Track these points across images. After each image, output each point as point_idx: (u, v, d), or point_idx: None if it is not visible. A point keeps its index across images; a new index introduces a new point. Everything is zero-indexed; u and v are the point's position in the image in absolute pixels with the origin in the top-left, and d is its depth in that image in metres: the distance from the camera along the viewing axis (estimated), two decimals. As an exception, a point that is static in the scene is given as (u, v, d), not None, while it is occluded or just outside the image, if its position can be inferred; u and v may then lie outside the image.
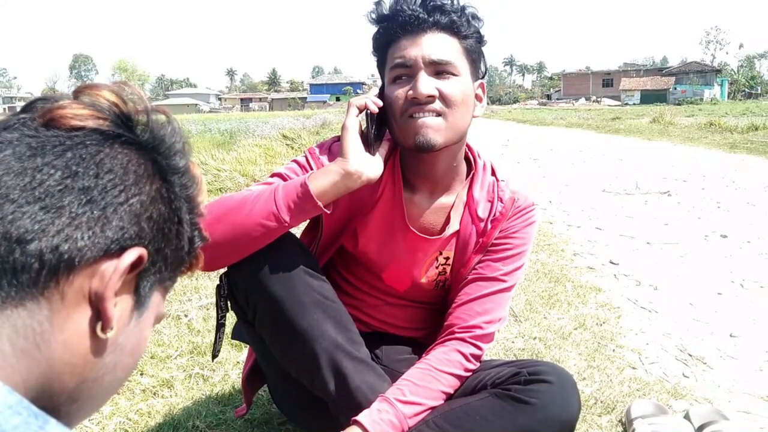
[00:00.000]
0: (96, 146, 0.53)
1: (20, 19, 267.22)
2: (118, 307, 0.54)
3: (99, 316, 0.52)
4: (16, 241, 0.48)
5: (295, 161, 1.40)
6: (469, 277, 1.39)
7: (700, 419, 1.67)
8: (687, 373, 2.13)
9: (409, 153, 1.35)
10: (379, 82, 1.42)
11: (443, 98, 1.26)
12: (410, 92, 1.25)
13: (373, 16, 1.32)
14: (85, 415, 0.58)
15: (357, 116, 1.29)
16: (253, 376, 1.54)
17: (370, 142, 1.30)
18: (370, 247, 1.42)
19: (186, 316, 2.55)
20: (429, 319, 1.52)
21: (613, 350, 2.29)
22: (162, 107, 0.61)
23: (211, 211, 1.19)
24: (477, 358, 1.34)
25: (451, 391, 1.31)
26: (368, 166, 1.26)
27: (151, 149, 0.57)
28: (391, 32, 1.29)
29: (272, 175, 1.37)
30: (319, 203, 1.22)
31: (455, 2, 1.29)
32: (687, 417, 1.71)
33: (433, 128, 1.26)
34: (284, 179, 1.34)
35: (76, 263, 0.50)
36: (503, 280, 1.38)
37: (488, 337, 1.36)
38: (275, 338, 1.29)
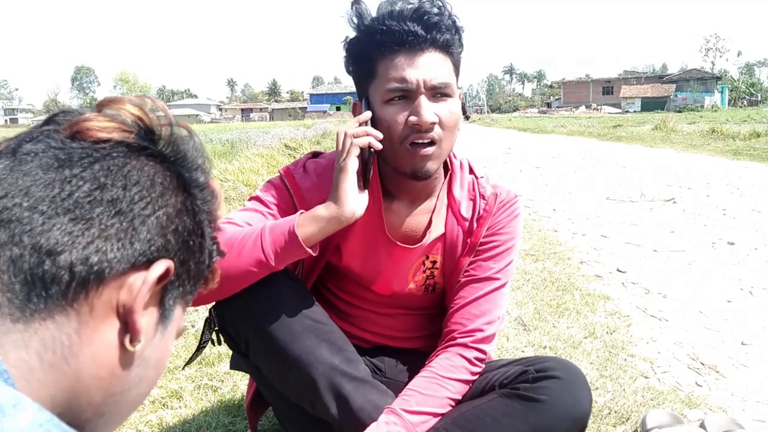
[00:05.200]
0: (123, 158, 0.53)
1: (22, 30, 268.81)
2: (145, 319, 0.53)
3: (127, 328, 0.52)
4: (47, 252, 0.47)
5: (270, 183, 1.36)
6: (462, 279, 1.37)
7: (716, 429, 1.66)
8: (700, 382, 2.11)
9: (394, 171, 1.31)
10: None
11: (441, 123, 1.23)
12: (412, 118, 1.21)
13: (363, 22, 1.24)
14: (110, 430, 0.57)
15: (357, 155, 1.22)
16: (256, 402, 1.53)
17: (366, 182, 1.25)
18: (354, 261, 1.39)
19: (193, 326, 2.54)
20: (426, 325, 1.50)
21: (625, 359, 2.27)
22: (184, 122, 0.60)
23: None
24: (481, 360, 1.33)
25: (459, 397, 1.29)
26: (360, 205, 1.22)
27: (175, 163, 0.57)
28: (383, 46, 1.21)
29: (251, 199, 1.34)
30: (308, 250, 1.18)
31: (446, 15, 1.23)
32: (702, 426, 1.69)
33: (431, 159, 1.25)
34: (263, 203, 1.31)
35: (105, 275, 0.49)
36: (497, 279, 1.36)
37: (489, 339, 1.34)
38: (271, 368, 1.28)
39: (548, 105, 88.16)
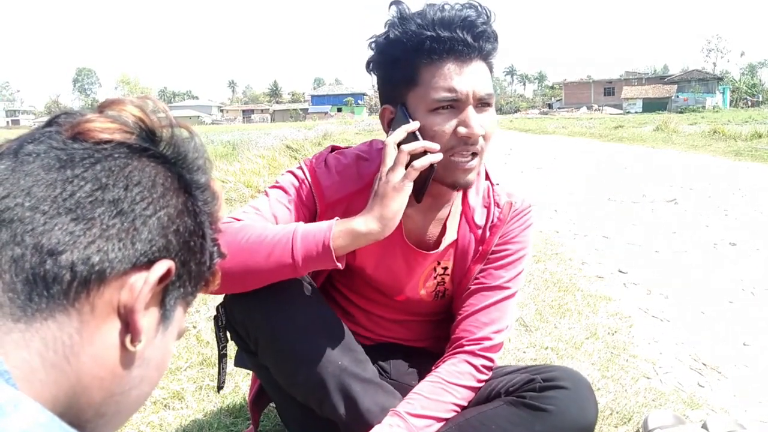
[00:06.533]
0: (124, 159, 0.53)
1: (23, 32, 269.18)
2: (146, 319, 0.53)
3: (128, 328, 0.52)
4: (48, 252, 0.47)
5: (293, 174, 1.34)
6: (472, 287, 1.36)
7: (718, 429, 1.65)
8: (702, 383, 2.11)
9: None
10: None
11: (485, 135, 1.21)
12: (461, 130, 1.17)
13: (408, 26, 1.18)
14: (111, 430, 0.57)
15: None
16: (259, 399, 1.53)
17: (420, 197, 1.23)
18: (368, 262, 1.38)
19: (194, 327, 2.53)
20: (432, 329, 1.50)
21: (627, 360, 2.27)
22: (185, 123, 0.61)
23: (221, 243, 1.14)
24: (488, 368, 1.32)
25: (464, 404, 1.29)
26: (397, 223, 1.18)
27: (176, 164, 0.57)
28: (432, 53, 1.17)
29: (273, 187, 1.33)
30: (338, 264, 1.15)
31: (490, 24, 1.20)
32: (705, 427, 1.68)
33: (473, 170, 1.23)
34: (287, 194, 1.30)
35: (107, 275, 0.49)
36: (507, 287, 1.35)
37: (497, 347, 1.34)
38: (279, 367, 1.28)
39: (549, 106, 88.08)
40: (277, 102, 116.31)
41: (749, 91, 76.37)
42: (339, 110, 79.24)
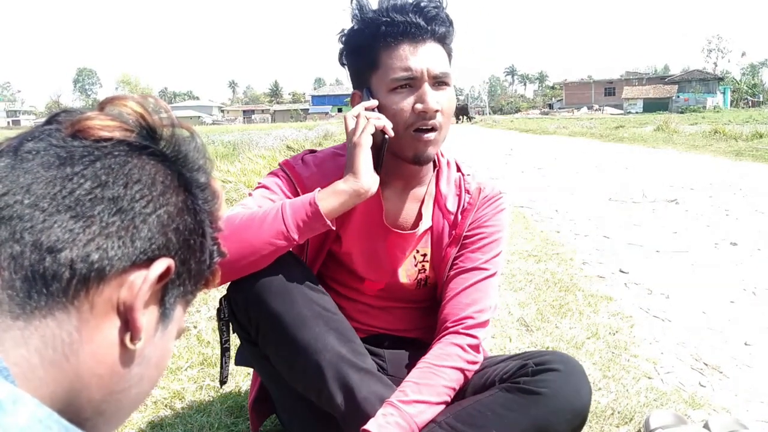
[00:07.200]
0: (124, 157, 0.53)
1: (24, 32, 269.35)
2: (145, 318, 0.53)
3: (128, 326, 0.52)
4: (47, 249, 0.47)
5: (273, 173, 1.42)
6: (451, 273, 1.41)
7: (720, 429, 1.65)
8: (703, 383, 2.10)
9: (392, 156, 1.36)
10: None
11: (442, 111, 1.30)
12: (418, 106, 1.28)
13: (365, 15, 1.30)
14: (111, 429, 0.57)
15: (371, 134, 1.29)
16: (259, 402, 1.54)
17: (379, 166, 1.31)
18: (353, 247, 1.43)
19: (195, 327, 2.54)
20: (420, 318, 1.52)
21: (628, 360, 2.26)
22: (186, 123, 0.60)
23: None
24: (474, 347, 1.34)
25: (455, 386, 1.30)
26: (375, 181, 1.28)
27: (176, 162, 0.57)
28: (387, 36, 1.28)
29: (257, 188, 1.39)
30: (328, 222, 1.23)
31: (442, 9, 1.31)
32: (706, 427, 1.68)
33: (433, 144, 1.32)
34: (270, 190, 1.36)
35: (106, 273, 0.49)
36: (485, 269, 1.39)
37: (481, 325, 1.36)
38: (279, 355, 1.29)
39: (550, 106, 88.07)
40: (277, 102, 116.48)
41: (750, 91, 76.46)
42: (339, 110, 79.32)
